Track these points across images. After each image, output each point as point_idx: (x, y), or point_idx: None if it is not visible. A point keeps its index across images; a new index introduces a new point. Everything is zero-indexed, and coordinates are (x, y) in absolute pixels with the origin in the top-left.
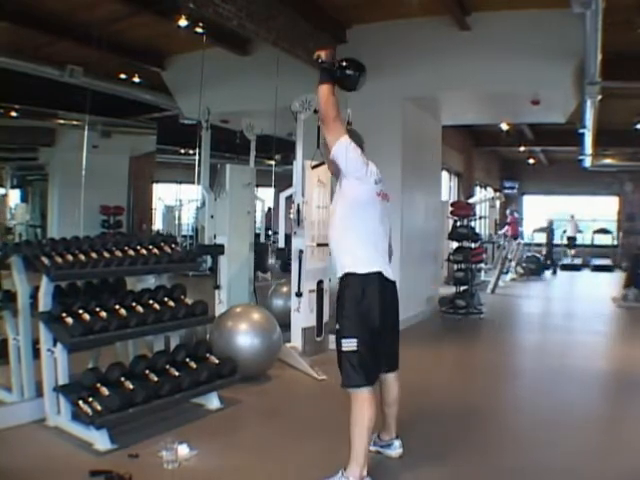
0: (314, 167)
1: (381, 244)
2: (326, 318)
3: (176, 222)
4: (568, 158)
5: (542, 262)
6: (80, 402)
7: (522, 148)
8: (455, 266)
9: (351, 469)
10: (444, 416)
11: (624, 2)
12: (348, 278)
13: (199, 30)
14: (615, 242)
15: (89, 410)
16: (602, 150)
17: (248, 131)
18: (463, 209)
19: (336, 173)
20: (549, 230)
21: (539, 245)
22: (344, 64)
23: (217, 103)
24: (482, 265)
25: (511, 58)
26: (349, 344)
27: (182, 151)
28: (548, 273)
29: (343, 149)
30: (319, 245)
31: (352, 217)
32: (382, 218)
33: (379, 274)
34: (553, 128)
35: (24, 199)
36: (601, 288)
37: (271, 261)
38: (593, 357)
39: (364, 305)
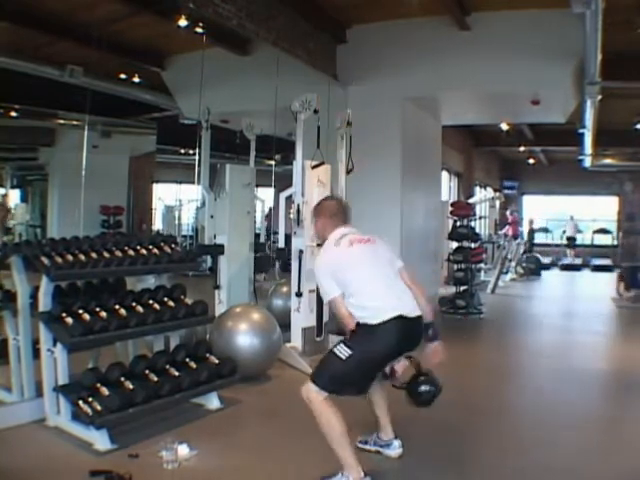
0: (314, 167)
1: (388, 287)
2: (326, 318)
3: (176, 222)
4: (568, 158)
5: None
6: (80, 402)
7: (522, 148)
8: (455, 266)
9: (347, 471)
10: (444, 416)
11: (624, 2)
12: (361, 327)
13: (199, 30)
14: (615, 242)
15: (89, 410)
16: (602, 150)
17: (248, 131)
18: (463, 209)
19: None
20: (529, 231)
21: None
22: (419, 380)
23: (217, 103)
24: (482, 265)
25: (511, 58)
26: (342, 351)
27: (182, 151)
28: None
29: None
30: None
31: (346, 291)
32: (376, 263)
33: (393, 319)
34: (553, 128)
35: (24, 199)
36: (601, 288)
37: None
38: (593, 357)
39: (374, 345)
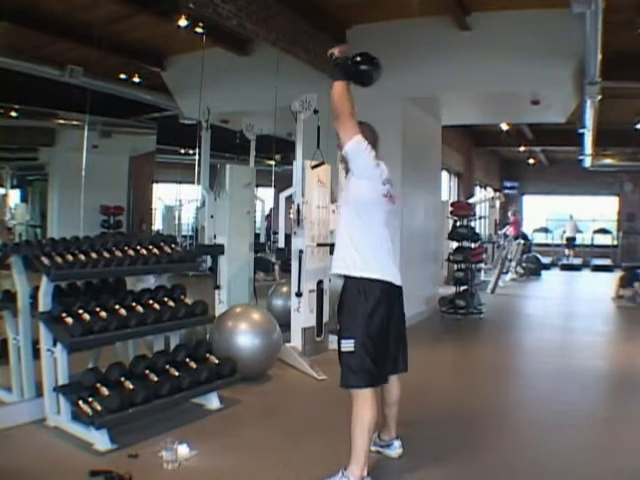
0: (314, 167)
1: (386, 246)
2: (326, 318)
3: (176, 222)
4: (568, 158)
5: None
6: (80, 402)
7: (522, 148)
8: (455, 266)
9: (351, 469)
10: (444, 416)
11: (624, 2)
12: (348, 281)
13: (199, 30)
14: (615, 242)
15: (89, 410)
16: (602, 150)
17: (248, 131)
18: (463, 209)
19: (346, 169)
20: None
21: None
22: (358, 59)
23: (217, 103)
24: (482, 265)
25: (511, 58)
26: (347, 345)
27: (182, 151)
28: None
29: (355, 148)
30: (319, 245)
31: (357, 218)
32: (387, 221)
33: (379, 281)
34: (553, 128)
35: (24, 199)
36: (601, 288)
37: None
38: (593, 357)
39: (364, 307)
